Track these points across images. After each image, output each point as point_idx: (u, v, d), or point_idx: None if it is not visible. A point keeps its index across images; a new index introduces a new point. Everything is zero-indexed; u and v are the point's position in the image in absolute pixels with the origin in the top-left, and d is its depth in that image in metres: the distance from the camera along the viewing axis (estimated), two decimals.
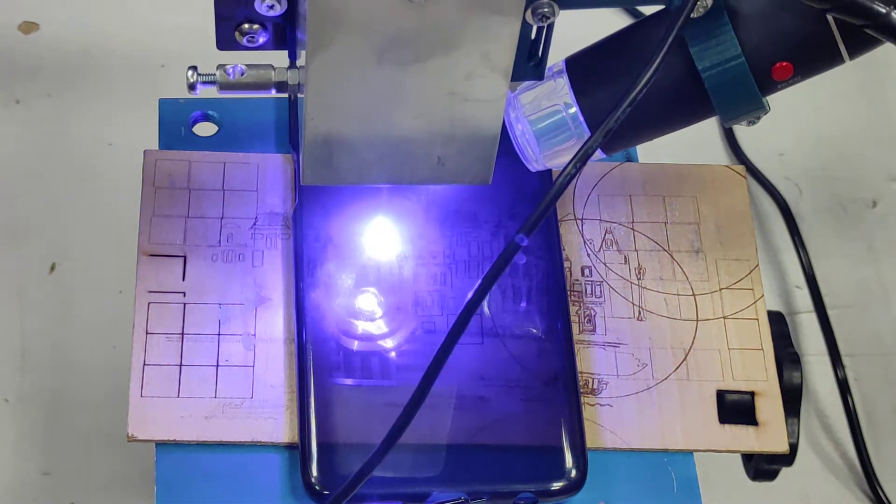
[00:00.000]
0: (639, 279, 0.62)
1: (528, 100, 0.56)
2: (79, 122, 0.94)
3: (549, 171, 0.63)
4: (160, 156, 0.63)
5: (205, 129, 0.65)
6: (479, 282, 0.50)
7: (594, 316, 0.61)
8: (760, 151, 0.98)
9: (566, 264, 0.62)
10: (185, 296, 0.59)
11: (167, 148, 0.63)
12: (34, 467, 0.82)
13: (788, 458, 0.60)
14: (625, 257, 0.62)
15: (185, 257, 0.60)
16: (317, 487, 0.55)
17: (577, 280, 0.62)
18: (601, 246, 0.63)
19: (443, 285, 0.60)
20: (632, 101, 0.48)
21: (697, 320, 0.61)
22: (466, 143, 0.52)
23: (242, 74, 0.52)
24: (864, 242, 0.96)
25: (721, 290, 0.62)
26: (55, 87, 0.96)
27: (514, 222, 0.62)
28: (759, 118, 0.54)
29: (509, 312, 0.59)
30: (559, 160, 0.57)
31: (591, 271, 0.62)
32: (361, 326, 0.58)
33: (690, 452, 0.58)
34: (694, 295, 0.62)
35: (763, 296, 0.62)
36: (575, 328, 0.60)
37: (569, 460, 0.56)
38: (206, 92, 0.68)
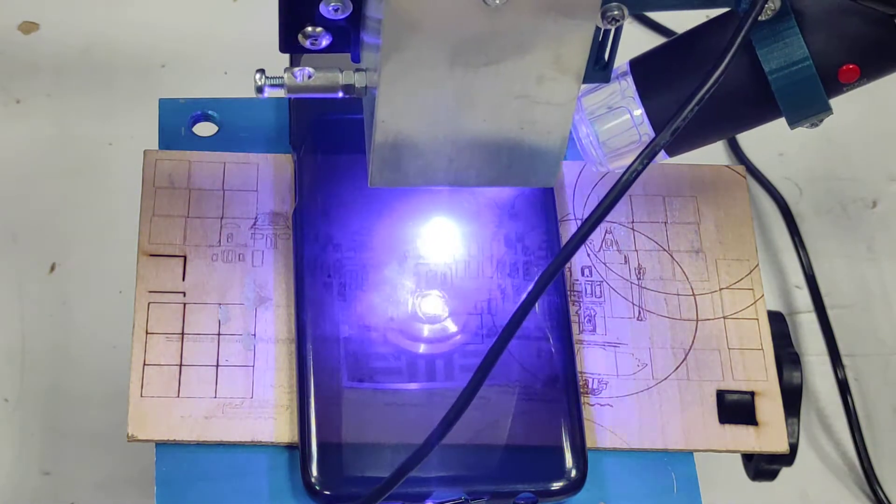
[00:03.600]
0: (639, 279, 0.62)
1: (593, 102, 0.57)
2: (79, 122, 0.94)
3: None
4: (160, 156, 0.63)
5: (205, 129, 0.65)
6: (532, 284, 0.50)
7: (594, 316, 0.61)
8: (760, 151, 0.98)
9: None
10: (185, 296, 0.59)
11: (167, 148, 0.64)
12: (34, 467, 0.82)
13: (788, 458, 0.60)
14: (625, 257, 0.63)
15: (185, 257, 0.60)
16: (317, 487, 0.55)
17: (577, 280, 0.62)
18: (601, 246, 0.63)
19: (445, 286, 0.60)
20: (700, 100, 0.49)
21: (697, 320, 0.61)
22: (534, 146, 0.52)
23: (310, 77, 0.52)
24: (864, 242, 0.96)
25: (721, 290, 0.62)
26: (55, 87, 0.96)
27: (515, 222, 0.62)
28: (821, 120, 0.55)
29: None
30: (622, 162, 0.57)
31: (591, 271, 0.62)
32: (412, 314, 0.59)
33: (690, 452, 0.58)
34: (694, 295, 0.62)
35: (763, 296, 0.62)
36: (575, 328, 0.60)
37: (569, 460, 0.56)
38: (207, 92, 0.68)
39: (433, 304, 0.59)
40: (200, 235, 0.61)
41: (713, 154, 0.98)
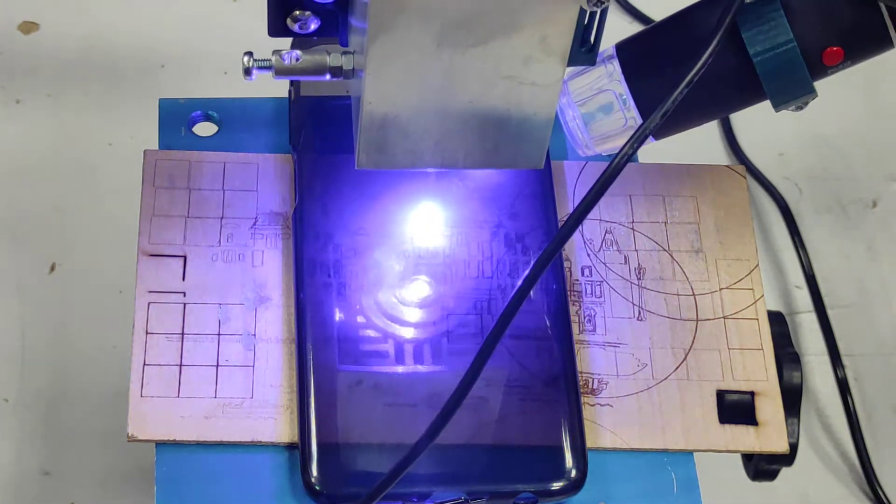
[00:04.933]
0: (639, 279, 0.62)
1: (578, 85, 0.57)
2: (79, 122, 0.94)
3: (549, 170, 0.63)
4: (160, 156, 0.63)
5: (205, 129, 0.65)
6: (526, 272, 0.50)
7: (594, 316, 0.61)
8: (760, 151, 0.99)
9: (566, 264, 0.62)
10: (185, 296, 0.59)
11: (167, 148, 0.64)
12: (34, 467, 0.82)
13: (788, 458, 0.60)
14: (625, 257, 0.63)
15: (185, 257, 0.60)
16: (317, 487, 0.55)
17: (577, 280, 0.62)
18: (601, 246, 0.63)
19: (444, 284, 0.60)
20: (689, 83, 0.49)
21: (697, 320, 0.61)
22: (521, 128, 0.53)
23: (298, 60, 0.53)
24: (864, 242, 0.96)
25: (721, 290, 0.62)
26: (55, 87, 0.96)
27: (514, 222, 0.62)
28: (806, 103, 0.55)
29: None
30: (609, 145, 0.58)
31: (591, 271, 0.62)
32: (413, 314, 0.59)
33: (690, 452, 0.58)
34: (694, 295, 0.62)
35: (763, 296, 0.62)
36: (575, 328, 0.60)
37: (569, 460, 0.56)
38: (208, 91, 0.68)
39: (420, 289, 0.59)
40: (200, 235, 0.61)
41: (713, 154, 0.98)
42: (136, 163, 0.63)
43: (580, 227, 0.63)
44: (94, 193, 0.91)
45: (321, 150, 0.62)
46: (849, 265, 0.95)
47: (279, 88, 0.65)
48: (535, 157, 0.54)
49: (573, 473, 0.56)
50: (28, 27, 0.98)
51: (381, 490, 0.51)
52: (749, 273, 0.63)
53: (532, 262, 0.50)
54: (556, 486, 0.56)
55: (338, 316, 0.58)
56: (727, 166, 0.66)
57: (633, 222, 0.63)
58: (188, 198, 0.62)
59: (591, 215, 0.63)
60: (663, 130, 0.57)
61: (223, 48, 0.98)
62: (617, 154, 0.49)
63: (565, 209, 0.63)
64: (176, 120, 0.64)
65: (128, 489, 0.82)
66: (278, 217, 0.62)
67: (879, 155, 1.01)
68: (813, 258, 0.94)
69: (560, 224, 0.63)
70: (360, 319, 0.59)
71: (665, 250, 0.63)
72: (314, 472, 0.55)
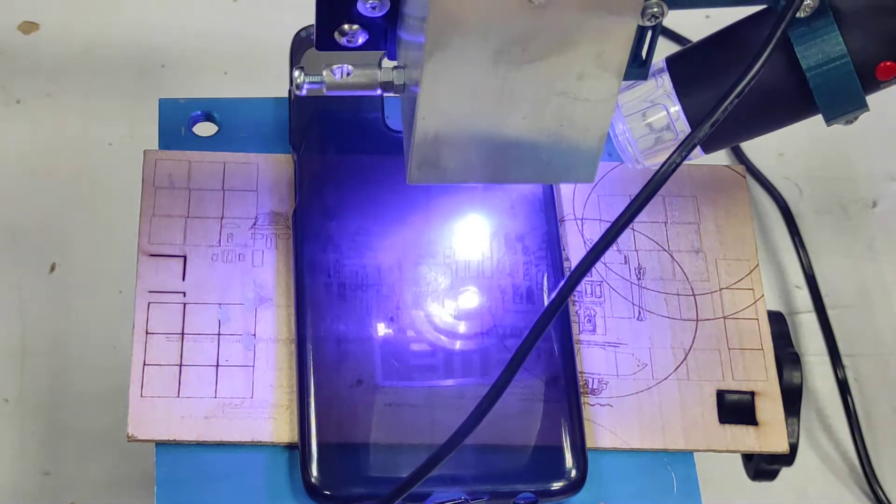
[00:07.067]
0: (639, 279, 0.62)
1: (629, 99, 0.57)
2: (79, 122, 0.94)
3: None
4: (160, 156, 0.63)
5: (205, 129, 0.65)
6: (564, 280, 0.50)
7: (594, 316, 0.61)
8: (760, 151, 0.98)
9: (566, 264, 0.62)
10: (185, 296, 0.59)
11: (167, 148, 0.64)
12: (34, 467, 0.82)
13: (788, 458, 0.60)
14: (625, 257, 0.63)
15: (185, 257, 0.60)
16: (317, 487, 0.55)
17: None
18: None
19: (445, 286, 0.60)
20: (739, 94, 0.49)
21: (697, 320, 0.61)
22: (573, 143, 0.52)
23: (349, 75, 0.52)
24: (864, 242, 0.96)
25: (721, 290, 0.62)
26: (55, 87, 0.96)
27: (515, 222, 0.62)
28: (857, 117, 0.55)
29: (510, 312, 0.59)
30: (659, 158, 0.58)
31: (591, 271, 0.62)
32: (462, 325, 0.59)
33: (690, 452, 0.58)
34: (694, 295, 0.62)
35: (763, 296, 0.62)
36: (575, 328, 0.60)
37: (569, 460, 0.56)
38: (207, 92, 0.68)
39: (465, 300, 0.59)
40: (200, 235, 0.61)
41: (713, 154, 0.98)
42: (136, 163, 0.63)
43: (580, 228, 0.63)
44: (94, 193, 0.91)
45: (321, 150, 0.62)
46: (849, 265, 0.95)
47: (279, 88, 0.65)
48: (586, 173, 0.54)
49: (573, 473, 0.56)
50: (28, 27, 0.98)
51: (398, 494, 0.51)
52: (749, 273, 0.63)
53: (564, 280, 0.50)
54: (556, 486, 0.56)
55: (338, 316, 0.58)
56: (727, 166, 0.66)
57: (633, 222, 0.63)
58: (188, 198, 0.62)
59: (590, 215, 0.63)
60: (712, 143, 0.57)
61: (223, 48, 0.98)
62: (664, 162, 0.49)
63: (565, 209, 0.63)
64: (176, 120, 0.64)
65: (128, 489, 0.82)
66: (278, 217, 0.62)
67: (879, 155, 1.00)
68: (813, 258, 0.94)
69: (559, 225, 0.63)
70: (361, 319, 0.58)
71: (665, 250, 0.63)
72: (314, 472, 0.55)
